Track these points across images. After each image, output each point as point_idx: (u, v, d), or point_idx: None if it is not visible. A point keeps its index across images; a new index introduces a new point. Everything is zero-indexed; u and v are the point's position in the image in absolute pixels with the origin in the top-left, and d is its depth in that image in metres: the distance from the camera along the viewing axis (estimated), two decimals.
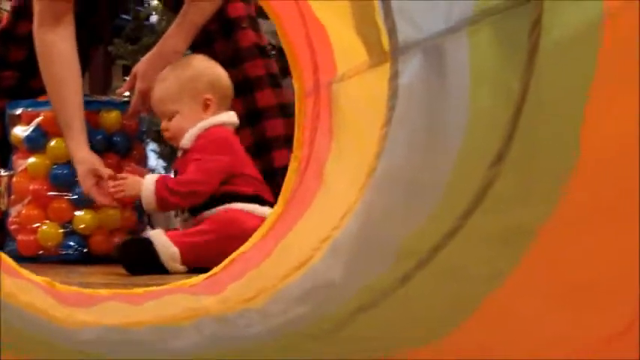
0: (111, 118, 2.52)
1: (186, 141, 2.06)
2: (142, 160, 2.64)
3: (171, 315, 0.76)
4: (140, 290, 1.00)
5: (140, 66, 2.22)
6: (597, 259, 0.60)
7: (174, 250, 1.81)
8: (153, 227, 2.78)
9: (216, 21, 2.22)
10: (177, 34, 2.19)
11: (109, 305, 0.83)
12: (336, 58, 0.96)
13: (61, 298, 0.86)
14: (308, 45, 1.03)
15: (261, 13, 2.62)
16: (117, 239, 2.30)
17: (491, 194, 0.57)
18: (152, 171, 3.20)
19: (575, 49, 0.54)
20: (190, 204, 2.00)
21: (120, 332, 0.72)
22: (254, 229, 1.94)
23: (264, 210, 2.01)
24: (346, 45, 0.90)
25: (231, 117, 2.12)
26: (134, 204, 2.50)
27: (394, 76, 0.74)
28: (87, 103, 2.48)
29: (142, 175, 2.04)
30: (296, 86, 1.10)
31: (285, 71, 2.09)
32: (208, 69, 2.18)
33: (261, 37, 2.36)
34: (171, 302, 0.85)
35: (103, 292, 0.98)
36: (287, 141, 2.15)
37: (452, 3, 0.65)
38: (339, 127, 0.94)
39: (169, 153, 3.03)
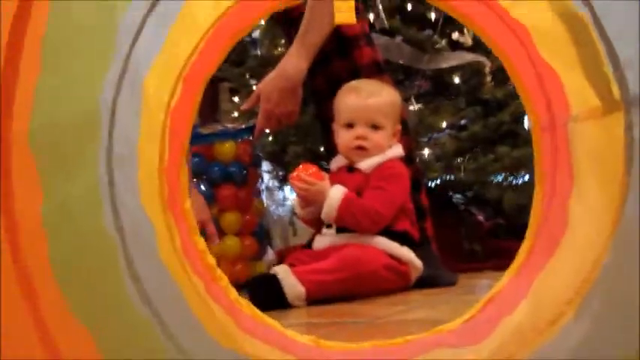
0: (225, 149, 2.59)
1: (370, 164, 2.10)
2: (257, 185, 2.71)
3: None
4: (400, 340, 1.03)
5: (264, 87, 2.29)
6: None
7: (301, 290, 1.85)
8: (271, 245, 2.82)
9: (333, 40, 2.25)
10: (298, 53, 2.22)
11: None
12: (568, 97, 0.95)
13: None
14: (539, 82, 1.02)
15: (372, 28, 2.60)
16: (239, 266, 2.36)
17: None
18: (266, 190, 3.25)
19: None
20: (365, 231, 2.04)
21: None
22: (383, 269, 1.98)
23: (403, 251, 2.03)
24: (578, 86, 0.90)
25: (401, 151, 2.17)
26: (254, 230, 2.57)
27: (628, 126, 0.73)
28: (200, 137, 2.55)
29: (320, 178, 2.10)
30: (531, 120, 1.10)
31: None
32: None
33: (377, 53, 2.38)
34: None
35: (366, 345, 1.03)
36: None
37: None
38: (579, 166, 0.93)
39: (283, 175, 3.11)
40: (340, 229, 2.10)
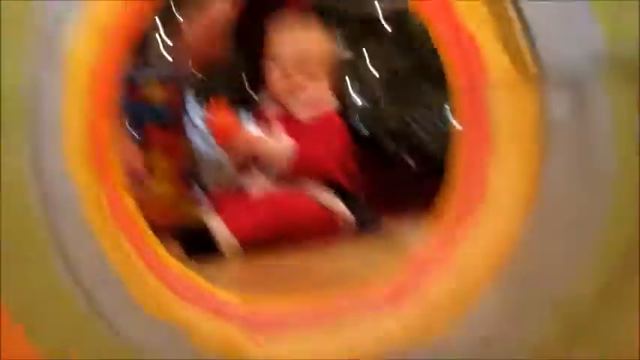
0: (154, 91, 2.59)
1: (308, 113, 2.10)
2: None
3: (354, 351, 0.81)
4: (326, 300, 1.04)
5: (192, 35, 2.29)
6: None
7: (235, 242, 1.89)
8: (202, 187, 2.83)
9: None
10: None
11: (299, 336, 0.88)
12: (487, 63, 0.97)
13: (252, 323, 0.92)
14: (458, 44, 1.04)
15: None
16: (171, 212, 2.39)
17: None
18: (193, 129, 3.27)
19: None
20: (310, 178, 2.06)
21: None
22: (314, 220, 2.01)
23: (335, 202, 2.07)
24: (495, 53, 0.91)
25: (335, 101, 2.18)
26: (184, 173, 2.59)
27: (542, 104, 0.76)
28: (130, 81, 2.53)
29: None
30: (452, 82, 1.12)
31: None
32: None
33: None
34: (356, 328, 0.89)
35: (293, 303, 1.04)
36: None
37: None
38: (497, 133, 0.96)
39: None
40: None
